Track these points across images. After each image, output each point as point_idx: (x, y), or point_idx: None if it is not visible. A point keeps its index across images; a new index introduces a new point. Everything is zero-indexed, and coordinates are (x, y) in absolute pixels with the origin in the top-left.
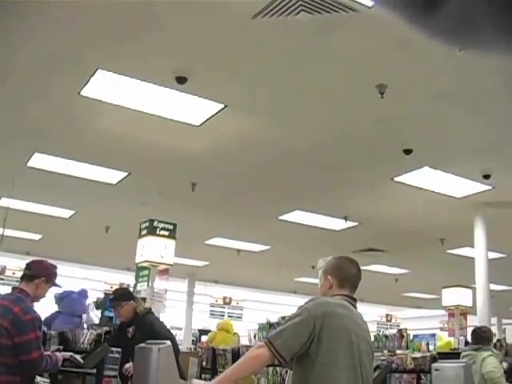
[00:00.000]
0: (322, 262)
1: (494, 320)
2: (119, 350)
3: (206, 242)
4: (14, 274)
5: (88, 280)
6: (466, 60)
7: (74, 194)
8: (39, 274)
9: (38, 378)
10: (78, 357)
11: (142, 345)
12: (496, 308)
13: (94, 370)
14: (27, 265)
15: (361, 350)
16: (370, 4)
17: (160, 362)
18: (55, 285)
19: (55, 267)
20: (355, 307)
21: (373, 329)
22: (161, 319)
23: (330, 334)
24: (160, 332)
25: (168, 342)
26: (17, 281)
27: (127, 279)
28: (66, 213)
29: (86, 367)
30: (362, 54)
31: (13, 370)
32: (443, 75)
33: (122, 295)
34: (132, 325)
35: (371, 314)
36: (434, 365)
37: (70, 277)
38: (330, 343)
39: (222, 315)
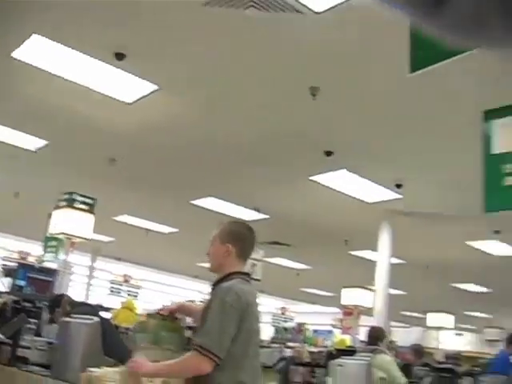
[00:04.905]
0: None
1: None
2: (36, 321)
3: (115, 218)
4: None
5: None
6: (396, 70)
7: None
8: None
9: None
10: None
11: (67, 319)
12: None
13: (9, 340)
14: None
15: (259, 332)
16: (318, 10)
17: (84, 337)
18: None
19: None
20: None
21: (267, 320)
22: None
23: (248, 326)
24: None
25: (96, 318)
26: None
27: (33, 248)
28: None
29: (5, 336)
30: (301, 56)
31: None
32: (374, 84)
33: None
34: None
35: (268, 306)
36: (338, 360)
37: None
38: (247, 334)
39: (119, 292)
